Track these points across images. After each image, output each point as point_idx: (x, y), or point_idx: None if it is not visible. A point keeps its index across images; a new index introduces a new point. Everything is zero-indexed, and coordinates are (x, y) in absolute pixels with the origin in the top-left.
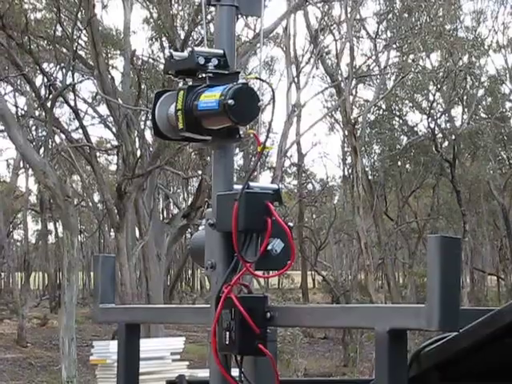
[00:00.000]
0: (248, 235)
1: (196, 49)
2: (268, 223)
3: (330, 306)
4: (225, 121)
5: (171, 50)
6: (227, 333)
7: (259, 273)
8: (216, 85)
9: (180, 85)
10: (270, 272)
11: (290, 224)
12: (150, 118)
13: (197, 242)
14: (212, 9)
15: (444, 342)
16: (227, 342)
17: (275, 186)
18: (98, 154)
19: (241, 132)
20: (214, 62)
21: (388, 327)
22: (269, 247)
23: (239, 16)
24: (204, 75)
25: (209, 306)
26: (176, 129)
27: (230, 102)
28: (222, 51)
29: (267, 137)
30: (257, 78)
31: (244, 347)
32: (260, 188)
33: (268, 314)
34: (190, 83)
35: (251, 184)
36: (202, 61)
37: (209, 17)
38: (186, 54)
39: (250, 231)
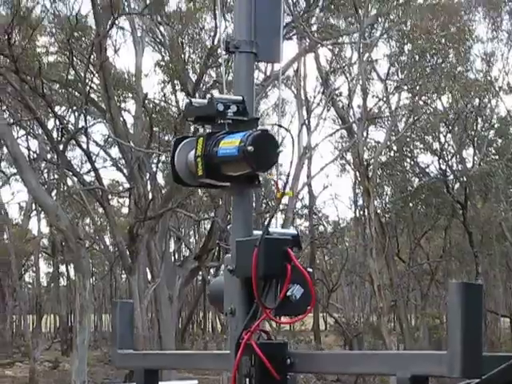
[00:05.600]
0: (268, 281)
1: (215, 95)
2: (288, 269)
3: (350, 353)
4: (244, 167)
5: (190, 98)
6: (247, 379)
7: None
8: (235, 131)
9: (191, 129)
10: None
11: (310, 270)
12: (170, 164)
13: (215, 288)
14: (223, 53)
15: None
16: None
17: (294, 232)
18: (109, 196)
19: (260, 178)
20: (233, 108)
21: (409, 374)
22: (288, 293)
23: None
24: (223, 122)
25: (227, 351)
26: (195, 175)
27: (250, 148)
28: (240, 98)
29: (286, 183)
30: (277, 125)
31: None
32: (279, 234)
33: (288, 361)
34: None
35: (270, 229)
36: (221, 107)
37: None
38: (205, 100)
39: (270, 277)
